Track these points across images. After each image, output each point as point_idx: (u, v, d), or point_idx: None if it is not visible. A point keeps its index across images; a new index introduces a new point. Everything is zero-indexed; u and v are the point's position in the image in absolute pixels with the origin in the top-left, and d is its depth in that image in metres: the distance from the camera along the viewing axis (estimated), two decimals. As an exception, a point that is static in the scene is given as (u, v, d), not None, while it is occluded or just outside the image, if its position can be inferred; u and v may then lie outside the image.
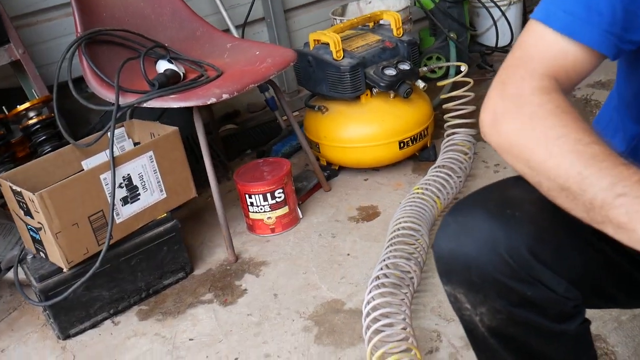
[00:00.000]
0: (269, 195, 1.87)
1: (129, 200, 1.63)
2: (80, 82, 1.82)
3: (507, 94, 0.74)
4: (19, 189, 1.49)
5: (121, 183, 1.60)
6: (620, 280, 0.82)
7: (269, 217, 1.90)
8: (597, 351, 0.91)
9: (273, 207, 1.88)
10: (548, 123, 0.68)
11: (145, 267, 1.69)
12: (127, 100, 1.70)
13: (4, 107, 1.79)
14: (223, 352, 1.47)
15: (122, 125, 1.84)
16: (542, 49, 0.74)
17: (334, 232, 1.89)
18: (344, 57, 2.01)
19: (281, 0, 2.70)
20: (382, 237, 1.78)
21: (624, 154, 0.66)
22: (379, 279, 1.44)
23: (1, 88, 2.01)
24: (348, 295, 1.59)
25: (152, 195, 1.68)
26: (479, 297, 0.77)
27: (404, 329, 1.32)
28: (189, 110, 1.70)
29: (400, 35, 2.12)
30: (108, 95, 1.72)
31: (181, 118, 2.01)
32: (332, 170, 2.22)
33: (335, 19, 2.58)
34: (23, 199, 1.49)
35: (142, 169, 1.64)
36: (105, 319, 1.66)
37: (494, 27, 2.86)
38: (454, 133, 2.10)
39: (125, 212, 1.62)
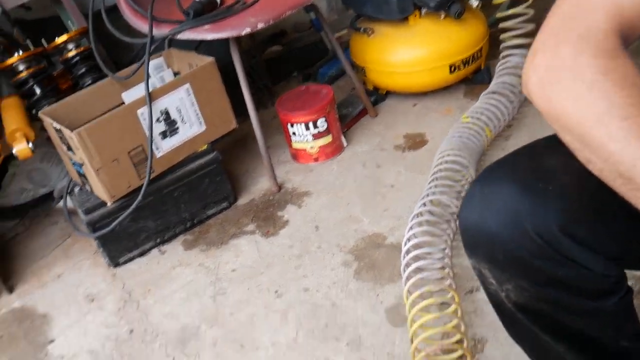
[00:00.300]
0: (311, 124, 1.82)
1: (167, 134, 1.62)
2: (117, 10, 1.78)
3: (562, 52, 0.60)
4: (58, 127, 1.50)
5: (159, 117, 1.59)
6: None
7: (311, 147, 1.86)
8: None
9: (315, 137, 1.84)
10: (614, 98, 0.56)
11: (188, 198, 1.71)
12: (161, 30, 1.65)
13: (43, 40, 1.78)
14: (264, 285, 1.49)
15: (161, 55, 1.81)
16: None
17: (378, 161, 1.84)
18: (390, -27, 1.87)
19: None
20: (427, 169, 1.71)
21: None
22: (420, 215, 1.40)
23: (41, 17, 2.00)
24: (390, 229, 1.56)
25: (191, 128, 1.66)
26: (505, 275, 0.71)
27: (443, 268, 1.28)
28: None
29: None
30: (142, 25, 1.68)
31: (220, 44, 1.95)
32: (379, 94, 2.14)
33: None
34: (64, 135, 1.51)
35: (180, 102, 1.62)
36: (152, 247, 1.70)
37: None
38: (510, 55, 1.95)
39: (164, 146, 1.62)
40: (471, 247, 0.75)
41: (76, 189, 1.67)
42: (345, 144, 1.94)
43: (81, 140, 1.46)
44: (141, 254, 1.69)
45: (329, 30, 1.91)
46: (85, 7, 1.85)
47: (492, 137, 1.74)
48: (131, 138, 1.55)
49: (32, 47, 1.74)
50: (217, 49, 1.83)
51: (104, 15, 1.65)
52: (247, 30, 1.57)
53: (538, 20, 1.64)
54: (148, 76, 1.56)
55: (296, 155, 1.91)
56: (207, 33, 1.58)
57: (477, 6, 1.94)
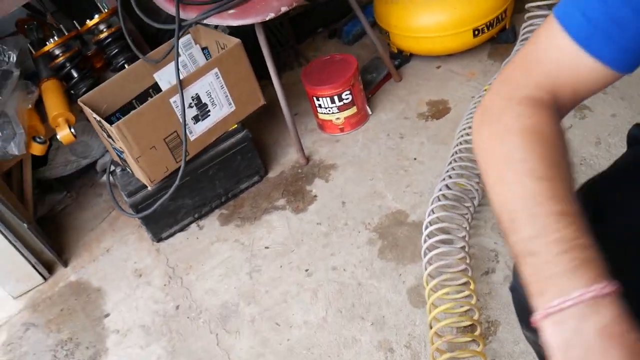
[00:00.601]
0: (336, 97, 1.87)
1: (199, 117, 1.70)
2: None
3: (500, 93, 0.67)
4: (98, 118, 1.60)
5: (190, 103, 1.66)
6: None
7: (337, 118, 1.92)
8: None
9: (341, 109, 1.90)
10: (515, 141, 0.62)
11: (222, 175, 1.81)
12: (187, 14, 1.69)
13: (75, 22, 1.84)
14: (295, 263, 1.61)
15: (189, 32, 1.85)
16: (552, 55, 0.64)
17: (402, 131, 1.90)
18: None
19: None
20: (449, 139, 1.78)
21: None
22: (439, 200, 1.48)
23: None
24: (412, 206, 1.65)
25: (221, 109, 1.74)
26: None
27: (461, 254, 1.38)
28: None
29: None
30: (169, 7, 1.72)
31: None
32: (403, 57, 2.16)
33: None
34: (104, 126, 1.60)
35: (209, 86, 1.68)
36: (191, 222, 1.83)
37: None
38: (535, 16, 1.94)
39: (197, 129, 1.71)
40: (525, 321, 0.70)
41: (118, 170, 1.79)
42: (370, 112, 2.00)
43: (120, 132, 1.56)
44: (181, 229, 1.82)
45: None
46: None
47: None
48: (166, 125, 1.64)
49: (65, 32, 1.80)
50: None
51: (133, 4, 1.69)
52: (271, 15, 1.60)
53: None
54: (178, 66, 1.62)
55: (322, 125, 1.98)
56: (232, 19, 1.62)
57: (502, -32, 1.90)
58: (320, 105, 1.91)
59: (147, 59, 1.77)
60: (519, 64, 0.68)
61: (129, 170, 1.75)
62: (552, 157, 0.61)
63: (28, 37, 1.95)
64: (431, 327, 1.26)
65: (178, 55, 1.64)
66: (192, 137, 1.70)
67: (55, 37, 1.77)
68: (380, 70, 2.11)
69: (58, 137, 1.72)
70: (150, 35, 2.02)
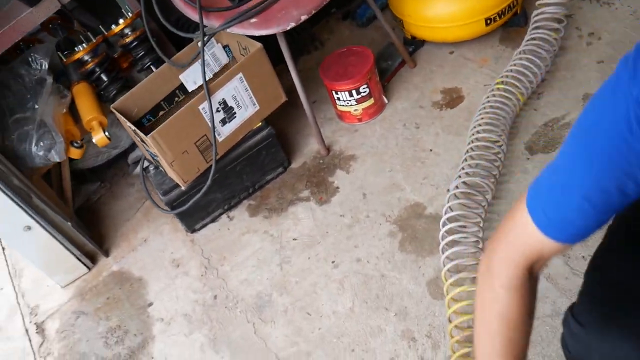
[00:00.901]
0: (354, 91, 1.96)
1: (227, 120, 1.80)
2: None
3: (489, 267, 0.89)
4: (133, 127, 1.70)
5: (218, 108, 1.76)
6: None
7: (355, 109, 2.02)
8: None
9: (359, 101, 1.99)
10: (492, 317, 0.88)
11: (249, 170, 1.92)
12: (210, 20, 1.76)
13: (101, 27, 1.91)
14: (321, 255, 1.74)
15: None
16: (524, 237, 0.82)
17: (417, 121, 1.99)
18: None
19: None
20: (463, 130, 1.87)
21: None
22: (455, 197, 1.59)
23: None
24: (429, 198, 1.76)
25: (246, 110, 1.83)
26: None
27: (476, 250, 1.51)
28: None
29: None
30: (193, 15, 1.79)
31: None
32: (417, 42, 2.22)
33: None
34: (138, 135, 1.71)
35: (235, 90, 1.78)
36: (221, 214, 1.96)
37: None
38: (547, 3, 1.99)
39: (225, 131, 1.81)
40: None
41: (151, 168, 1.91)
42: (386, 101, 2.08)
43: (155, 141, 1.67)
44: (213, 220, 1.95)
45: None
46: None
47: (524, 100, 1.86)
48: (196, 131, 1.74)
49: (93, 38, 1.88)
50: None
51: (156, 9, 1.75)
52: (292, 24, 1.67)
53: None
54: (205, 78, 1.70)
55: (341, 116, 2.08)
56: (254, 29, 1.69)
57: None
58: (339, 99, 2.00)
59: (173, 63, 1.85)
60: (501, 243, 0.88)
61: (161, 169, 1.86)
62: (514, 340, 0.88)
63: (54, 35, 2.03)
64: (450, 321, 1.40)
65: (204, 64, 1.73)
66: (220, 139, 1.81)
67: (84, 44, 1.85)
68: (395, 57, 2.18)
69: (94, 140, 1.83)
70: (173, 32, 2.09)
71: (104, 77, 1.91)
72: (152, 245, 1.98)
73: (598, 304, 0.87)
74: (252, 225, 1.90)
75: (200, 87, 1.91)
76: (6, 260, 2.21)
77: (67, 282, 1.97)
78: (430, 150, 1.89)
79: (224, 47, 1.97)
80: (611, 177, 0.71)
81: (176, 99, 1.93)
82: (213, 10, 1.77)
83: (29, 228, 1.79)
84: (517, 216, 0.84)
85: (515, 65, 1.88)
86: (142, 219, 2.07)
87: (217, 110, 1.77)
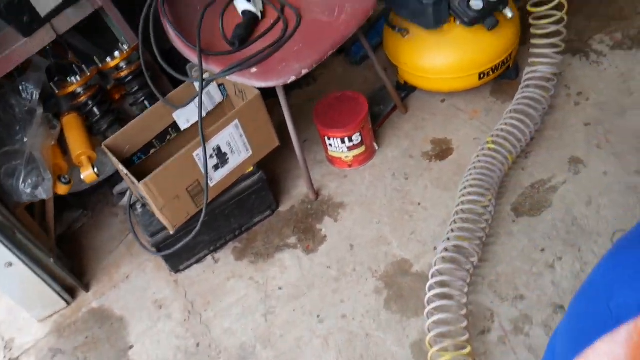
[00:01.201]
0: (346, 139, 1.96)
1: (219, 166, 1.79)
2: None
3: None
4: (125, 171, 1.68)
5: (211, 154, 1.75)
6: None
7: (346, 156, 2.02)
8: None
9: (351, 149, 2.00)
10: None
11: (238, 213, 1.92)
12: (209, 65, 1.75)
13: (96, 58, 1.87)
14: (307, 307, 1.75)
15: (206, 71, 1.90)
16: None
17: (407, 171, 2.01)
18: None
19: None
20: (452, 185, 1.90)
21: None
22: (439, 263, 1.62)
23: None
24: (416, 256, 1.79)
25: (239, 156, 1.82)
26: None
27: (460, 321, 1.53)
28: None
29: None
30: (192, 57, 1.77)
31: None
32: (409, 87, 2.24)
33: None
34: (130, 178, 1.69)
35: (230, 137, 1.76)
36: (206, 255, 1.95)
37: None
38: (538, 63, 2.02)
39: (217, 176, 1.80)
40: None
41: (139, 207, 1.88)
42: (376, 147, 2.10)
43: (147, 188, 1.65)
44: (198, 261, 1.94)
45: (366, 42, 1.98)
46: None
47: (513, 159, 1.90)
48: (188, 176, 1.73)
49: (87, 71, 1.84)
50: None
51: (156, 52, 1.73)
52: (293, 78, 1.67)
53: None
54: (202, 125, 1.69)
55: (332, 160, 2.08)
56: (254, 80, 1.68)
57: (512, 17, 1.96)
58: (331, 145, 2.01)
59: (167, 102, 1.83)
60: None
61: (150, 209, 1.84)
62: None
63: (45, 57, 1.99)
64: (433, 392, 1.43)
65: (201, 108, 1.71)
66: (212, 184, 1.80)
67: (78, 77, 1.82)
68: (387, 102, 2.19)
69: (82, 176, 1.80)
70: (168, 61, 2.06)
71: (96, 111, 1.88)
72: (135, 282, 1.96)
73: None
74: (238, 270, 1.89)
75: (193, 125, 1.90)
76: (-19, 285, 2.16)
77: (44, 317, 1.93)
78: (419, 204, 1.91)
79: (219, 85, 1.95)
80: None
81: (168, 137, 1.91)
82: (212, 54, 1.75)
83: (10, 265, 1.76)
84: None
85: (506, 124, 1.91)
86: (125, 252, 2.05)
87: (211, 156, 1.75)
